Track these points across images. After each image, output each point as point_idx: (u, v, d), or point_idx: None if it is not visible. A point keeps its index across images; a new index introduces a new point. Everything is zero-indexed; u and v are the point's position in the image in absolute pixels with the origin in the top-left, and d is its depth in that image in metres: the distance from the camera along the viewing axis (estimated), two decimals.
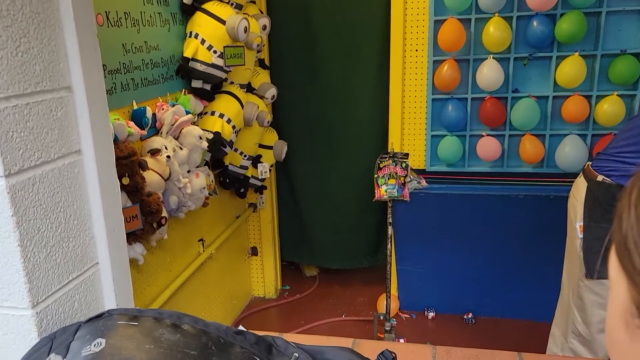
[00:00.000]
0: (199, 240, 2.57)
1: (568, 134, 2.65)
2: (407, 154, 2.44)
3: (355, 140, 3.06)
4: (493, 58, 2.60)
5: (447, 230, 2.67)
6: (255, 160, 2.85)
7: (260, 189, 3.09)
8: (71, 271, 0.84)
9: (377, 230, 3.25)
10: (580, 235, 1.79)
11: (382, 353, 0.86)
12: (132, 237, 1.80)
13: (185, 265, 2.42)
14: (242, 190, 2.89)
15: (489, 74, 2.58)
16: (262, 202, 3.19)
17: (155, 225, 1.87)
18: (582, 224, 1.78)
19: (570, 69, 2.52)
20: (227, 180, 2.73)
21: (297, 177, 3.26)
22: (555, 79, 2.62)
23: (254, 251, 3.33)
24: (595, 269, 1.75)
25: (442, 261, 2.79)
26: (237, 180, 2.81)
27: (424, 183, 2.51)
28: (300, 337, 1.03)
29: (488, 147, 2.69)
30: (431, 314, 2.96)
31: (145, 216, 1.80)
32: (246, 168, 2.77)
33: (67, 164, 0.84)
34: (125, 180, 1.72)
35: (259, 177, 2.89)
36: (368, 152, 3.06)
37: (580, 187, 1.82)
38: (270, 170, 2.97)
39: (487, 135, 2.72)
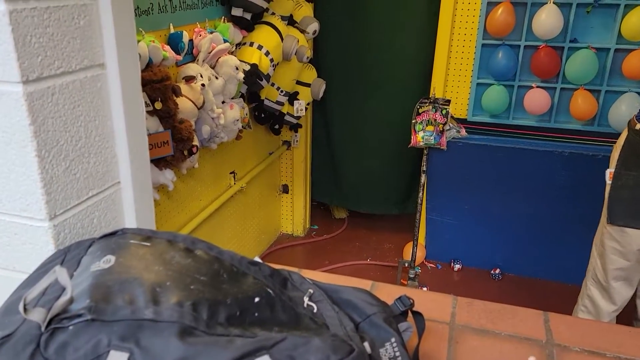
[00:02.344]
0: (231, 173, 2.58)
1: (626, 92, 2.46)
2: (448, 101, 2.32)
3: (396, 83, 2.94)
4: (554, 3, 2.40)
5: (483, 183, 2.58)
6: (292, 97, 2.79)
7: (295, 127, 3.05)
8: (91, 187, 0.83)
9: (410, 178, 3.18)
10: (609, 182, 1.81)
11: (399, 298, 0.83)
12: (162, 162, 1.81)
13: (215, 196, 2.44)
14: (276, 126, 2.85)
15: (547, 20, 2.38)
16: (296, 141, 3.16)
17: (186, 153, 1.86)
18: (612, 170, 1.80)
19: (639, 20, 2.30)
20: (262, 115, 2.69)
21: (333, 118, 3.20)
22: (619, 30, 2.40)
23: (285, 189, 3.34)
24: (618, 216, 1.77)
25: (473, 214, 2.73)
26: (272, 115, 2.77)
27: (463, 132, 2.40)
28: (319, 274, 1.01)
29: (537, 99, 2.53)
30: (457, 266, 2.93)
31: (176, 143, 1.80)
32: (282, 104, 2.72)
33: (89, 77, 0.81)
34: (158, 105, 1.70)
35: (295, 115, 2.84)
36: (408, 97, 2.94)
37: (621, 136, 1.83)
38: (306, 108, 2.91)
39: (537, 87, 2.55)
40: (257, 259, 0.80)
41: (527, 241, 2.71)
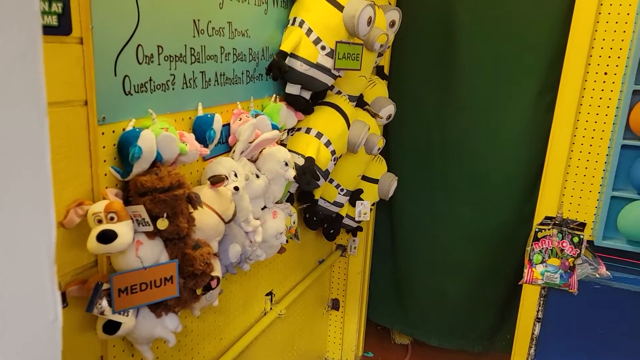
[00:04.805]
0: (267, 295, 1.94)
1: None
2: (583, 225, 1.63)
3: (490, 187, 2.28)
4: None
5: (629, 342, 1.80)
6: (354, 196, 2.17)
7: (353, 230, 2.42)
8: None
9: (501, 308, 2.43)
10: None
11: None
12: (161, 307, 1.19)
13: (243, 330, 1.79)
14: (332, 231, 2.22)
15: None
16: (354, 247, 2.51)
17: (199, 291, 1.25)
18: None
19: None
20: (315, 218, 2.08)
21: (404, 223, 2.54)
22: None
23: (335, 304, 2.66)
24: None
25: None
26: (328, 219, 2.16)
27: (603, 271, 1.68)
28: None
29: None
30: None
31: (184, 279, 1.19)
32: (341, 205, 2.11)
33: None
34: (162, 224, 1.12)
35: (356, 219, 2.21)
36: (506, 205, 2.28)
37: None
38: (371, 209, 2.28)
39: None
40: None
41: None
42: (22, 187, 0.41)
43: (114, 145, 1.10)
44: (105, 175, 1.08)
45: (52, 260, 0.45)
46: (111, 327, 1.09)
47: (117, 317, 1.09)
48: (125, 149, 1.08)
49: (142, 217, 1.10)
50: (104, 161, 1.08)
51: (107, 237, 1.01)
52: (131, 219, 1.08)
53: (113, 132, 1.09)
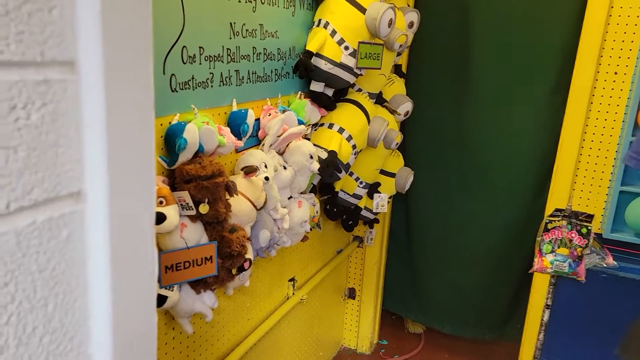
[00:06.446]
0: (290, 280, 2.06)
1: None
2: (590, 216, 1.72)
3: (503, 181, 2.37)
4: None
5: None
6: (372, 189, 2.28)
7: (370, 222, 2.52)
8: None
9: (513, 298, 2.52)
10: None
11: None
12: (201, 284, 1.31)
13: (269, 312, 1.91)
14: (350, 222, 2.33)
15: None
16: (371, 239, 2.62)
17: (234, 271, 1.37)
18: None
19: None
20: (334, 210, 2.19)
21: (419, 215, 2.64)
22: None
23: (352, 293, 2.77)
24: None
25: None
26: (347, 210, 2.27)
27: (610, 261, 1.77)
28: None
29: None
30: None
31: (222, 259, 1.31)
32: (360, 197, 2.21)
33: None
34: (204, 208, 1.23)
35: (374, 211, 2.32)
36: (518, 198, 2.37)
37: None
38: (388, 202, 2.38)
39: None
40: None
41: None
42: (137, 174, 0.53)
43: (161, 137, 1.22)
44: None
45: (152, 226, 0.57)
46: (158, 301, 1.22)
47: (163, 292, 1.22)
48: (171, 140, 1.20)
49: (187, 202, 1.22)
50: None
51: (157, 218, 1.13)
52: (177, 204, 1.20)
53: (161, 125, 1.21)
